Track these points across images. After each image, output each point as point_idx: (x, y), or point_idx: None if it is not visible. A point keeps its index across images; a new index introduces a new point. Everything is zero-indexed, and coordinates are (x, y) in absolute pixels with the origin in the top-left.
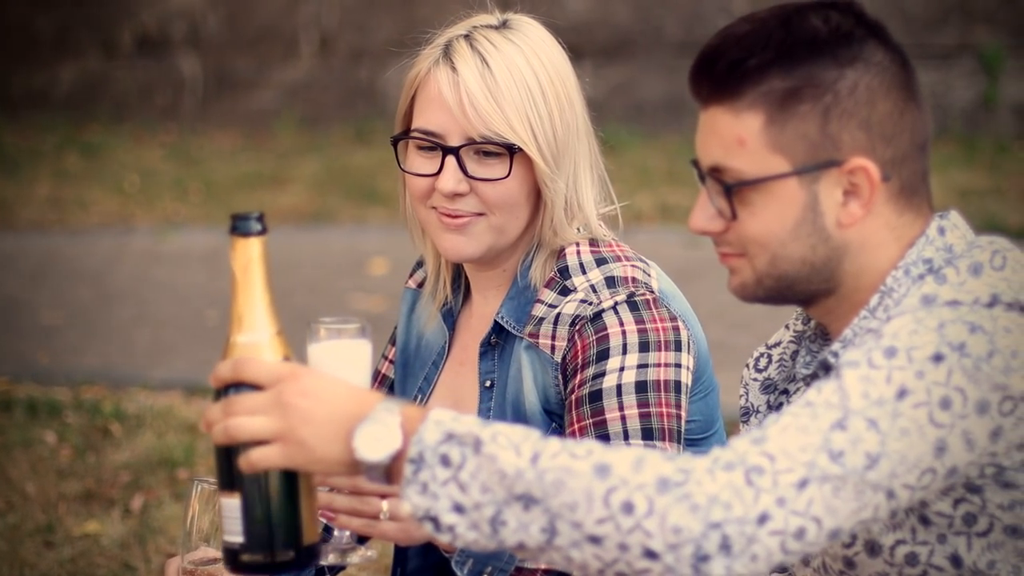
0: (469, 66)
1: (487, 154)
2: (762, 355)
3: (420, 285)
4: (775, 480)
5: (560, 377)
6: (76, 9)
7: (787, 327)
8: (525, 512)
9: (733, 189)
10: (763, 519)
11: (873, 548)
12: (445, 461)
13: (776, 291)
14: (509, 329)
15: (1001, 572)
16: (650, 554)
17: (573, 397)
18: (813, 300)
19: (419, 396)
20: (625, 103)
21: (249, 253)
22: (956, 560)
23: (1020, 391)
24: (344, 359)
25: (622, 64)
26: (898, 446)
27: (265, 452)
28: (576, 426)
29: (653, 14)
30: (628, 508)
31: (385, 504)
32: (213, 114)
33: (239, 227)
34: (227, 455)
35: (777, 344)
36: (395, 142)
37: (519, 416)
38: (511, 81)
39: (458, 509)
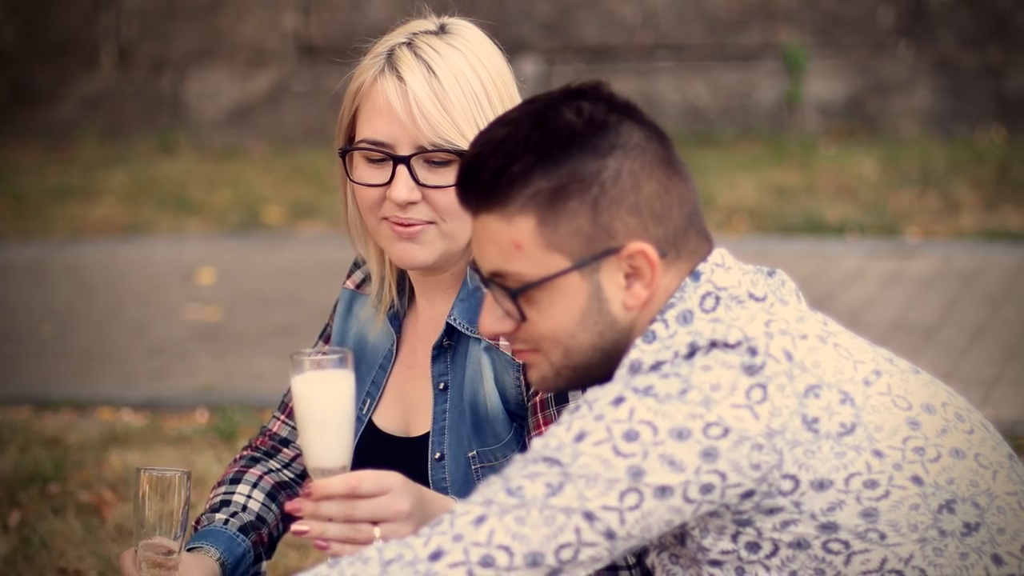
0: (415, 75)
1: (437, 162)
2: None
3: (359, 286)
4: (452, 523)
5: (521, 379)
6: None
7: None
8: None
9: (518, 294)
10: (436, 555)
11: None
12: None
13: (575, 379)
14: (463, 331)
15: None
16: None
17: (537, 399)
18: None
19: (368, 400)
20: None
21: None
22: None
23: (729, 418)
24: (328, 389)
25: None
26: (581, 473)
27: None
28: (543, 428)
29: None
30: None
31: (378, 531)
32: (12, 127)
33: None
34: None
35: None
36: (343, 154)
37: (477, 416)
38: (458, 87)
39: None
